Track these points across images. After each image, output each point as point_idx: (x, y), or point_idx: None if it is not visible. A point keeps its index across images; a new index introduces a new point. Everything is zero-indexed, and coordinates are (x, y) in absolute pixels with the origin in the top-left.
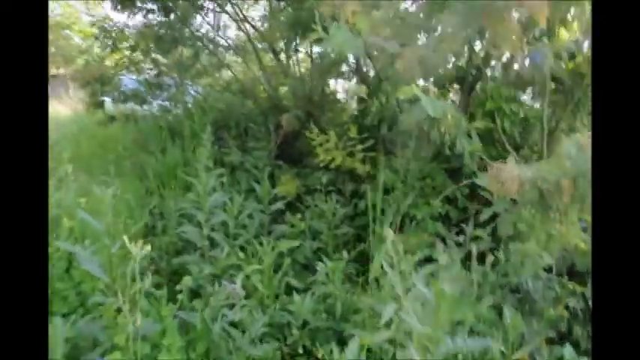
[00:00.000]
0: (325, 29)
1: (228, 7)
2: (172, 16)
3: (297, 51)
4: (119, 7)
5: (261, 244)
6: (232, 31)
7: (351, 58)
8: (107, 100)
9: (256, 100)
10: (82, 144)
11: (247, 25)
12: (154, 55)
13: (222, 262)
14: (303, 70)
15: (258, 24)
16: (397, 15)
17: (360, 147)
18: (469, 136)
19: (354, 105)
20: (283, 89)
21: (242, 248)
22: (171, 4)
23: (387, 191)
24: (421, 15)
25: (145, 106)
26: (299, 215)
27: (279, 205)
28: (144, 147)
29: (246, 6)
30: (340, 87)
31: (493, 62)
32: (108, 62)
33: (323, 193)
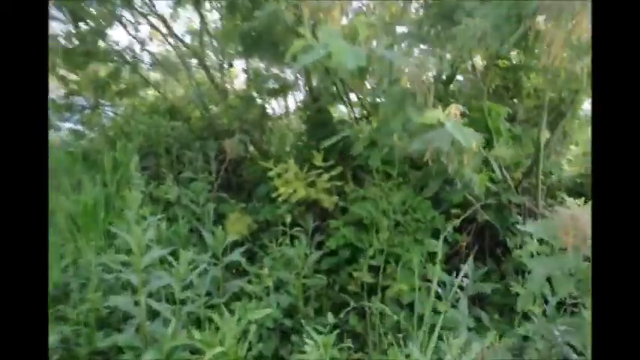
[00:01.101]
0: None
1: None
2: (83, 26)
3: (231, 66)
4: None
5: (220, 314)
6: (154, 46)
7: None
8: None
9: (188, 122)
10: None
11: (173, 40)
12: (61, 71)
13: (167, 342)
14: (236, 87)
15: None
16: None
17: (325, 176)
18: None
19: (302, 126)
20: (216, 109)
21: (194, 319)
22: (81, 14)
23: (362, 226)
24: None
25: (52, 132)
26: (258, 264)
27: (236, 255)
28: (51, 182)
29: (172, 19)
30: (279, 106)
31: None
32: None
33: (285, 234)
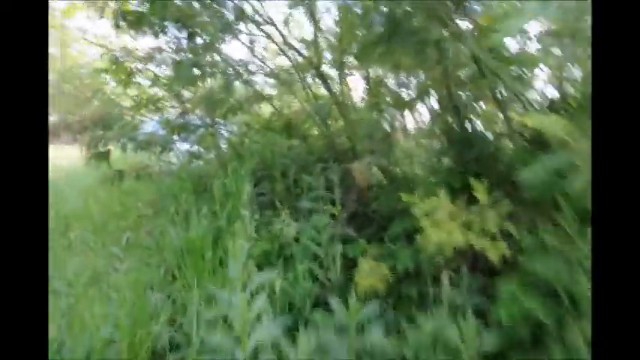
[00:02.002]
0: None
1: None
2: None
3: (350, 74)
4: (132, 31)
5: None
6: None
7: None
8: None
9: (305, 141)
10: (88, 205)
11: (287, 49)
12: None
13: None
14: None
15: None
16: None
17: (491, 214)
18: None
19: (436, 144)
20: (337, 126)
21: None
22: (198, 29)
23: (548, 291)
24: None
25: (164, 156)
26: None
27: (376, 331)
28: (163, 209)
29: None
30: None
31: None
32: (124, 101)
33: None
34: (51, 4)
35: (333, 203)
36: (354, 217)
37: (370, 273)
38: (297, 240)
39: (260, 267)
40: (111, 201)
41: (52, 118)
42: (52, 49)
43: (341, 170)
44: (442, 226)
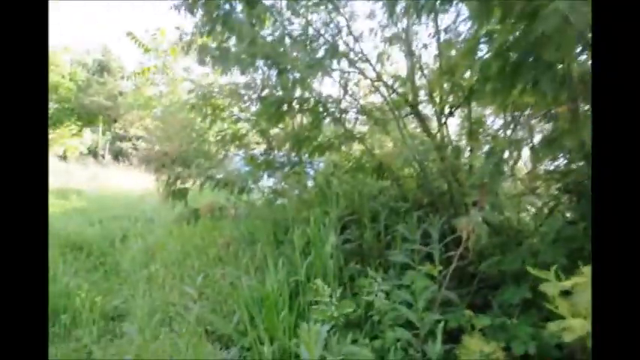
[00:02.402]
0: None
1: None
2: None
3: (451, 114)
4: (218, 67)
5: None
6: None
7: None
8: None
9: (398, 183)
10: (172, 237)
11: (380, 86)
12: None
13: None
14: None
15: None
16: None
17: None
18: None
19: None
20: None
21: None
22: (288, 66)
23: None
24: None
25: (244, 195)
26: None
27: None
28: (238, 253)
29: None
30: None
31: None
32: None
33: None
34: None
35: (431, 260)
36: (457, 279)
37: (477, 351)
38: (387, 296)
39: (343, 331)
40: (193, 235)
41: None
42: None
43: (442, 223)
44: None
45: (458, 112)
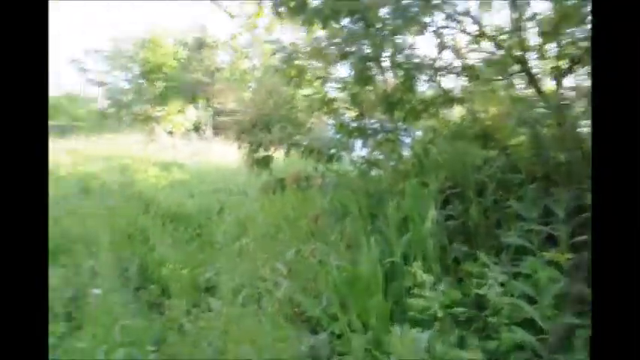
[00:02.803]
0: None
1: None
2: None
3: (570, 71)
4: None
5: None
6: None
7: None
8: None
9: (505, 153)
10: (263, 209)
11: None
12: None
13: None
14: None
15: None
16: None
17: None
18: None
19: None
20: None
21: None
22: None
23: None
24: None
25: (333, 164)
26: None
27: None
28: (327, 228)
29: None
30: None
31: None
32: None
33: None
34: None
35: (553, 243)
36: (588, 270)
37: None
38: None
39: (447, 328)
40: (284, 207)
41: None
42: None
43: (570, 198)
44: None
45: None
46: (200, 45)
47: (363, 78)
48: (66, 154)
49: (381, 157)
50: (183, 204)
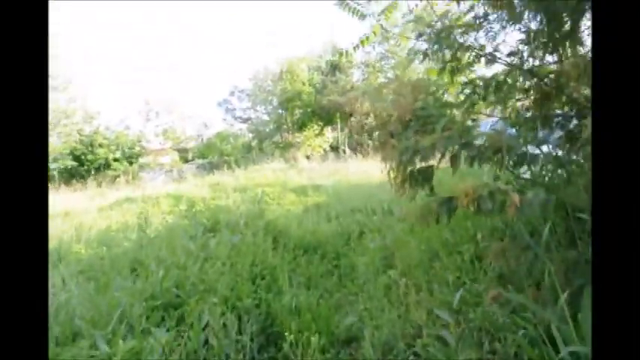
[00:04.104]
0: None
1: None
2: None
3: None
4: None
5: None
6: None
7: None
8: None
9: None
10: (413, 232)
11: None
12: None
13: None
14: None
15: None
16: None
17: None
18: None
19: None
20: None
21: None
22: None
23: None
24: None
25: (521, 169)
26: None
27: None
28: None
29: None
30: None
31: None
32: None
33: None
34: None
35: None
36: None
37: None
38: None
39: None
40: (441, 228)
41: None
42: (390, 74)
43: None
44: None
45: None
46: (334, 67)
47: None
48: (208, 188)
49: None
50: (318, 230)
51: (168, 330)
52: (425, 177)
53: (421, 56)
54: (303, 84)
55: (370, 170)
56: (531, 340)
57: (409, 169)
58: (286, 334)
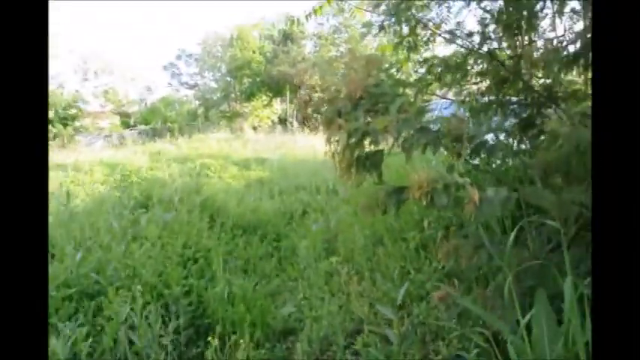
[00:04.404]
0: None
1: None
2: None
3: None
4: None
5: None
6: None
7: None
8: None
9: None
10: (356, 217)
11: None
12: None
13: None
14: None
15: None
16: None
17: None
18: None
19: None
20: None
21: None
22: None
23: None
24: None
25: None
26: None
27: None
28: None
29: None
30: None
31: None
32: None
33: None
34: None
35: None
36: None
37: None
38: None
39: None
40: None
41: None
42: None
43: None
44: None
45: None
46: (286, 37)
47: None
48: (147, 156)
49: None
50: (260, 208)
51: (81, 324)
52: (373, 162)
53: (377, 29)
54: (254, 52)
55: (318, 145)
56: (477, 344)
57: (357, 152)
58: (217, 327)
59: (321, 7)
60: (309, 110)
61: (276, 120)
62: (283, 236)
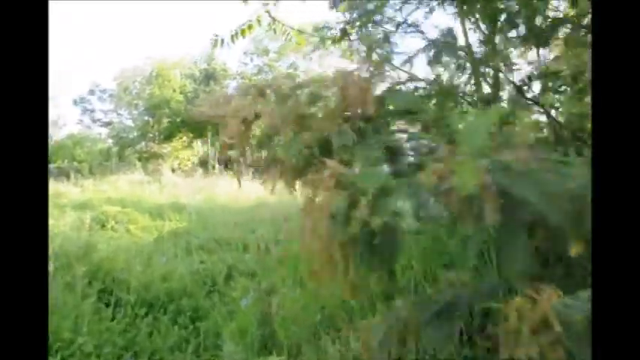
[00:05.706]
0: None
1: None
2: None
3: None
4: None
5: None
6: None
7: None
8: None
9: None
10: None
11: None
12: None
13: None
14: None
15: None
16: None
17: None
18: None
19: None
20: None
21: None
22: None
23: None
24: None
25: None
26: None
27: None
28: None
29: None
30: None
31: None
32: None
33: None
34: None
35: None
36: None
37: None
38: None
39: None
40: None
41: None
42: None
43: None
44: None
45: None
46: (208, 77)
47: None
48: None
49: None
50: (172, 273)
51: None
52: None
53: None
54: (174, 90)
55: (242, 190)
56: None
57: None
58: None
59: (250, 27)
60: (232, 152)
61: (196, 162)
62: (203, 313)
